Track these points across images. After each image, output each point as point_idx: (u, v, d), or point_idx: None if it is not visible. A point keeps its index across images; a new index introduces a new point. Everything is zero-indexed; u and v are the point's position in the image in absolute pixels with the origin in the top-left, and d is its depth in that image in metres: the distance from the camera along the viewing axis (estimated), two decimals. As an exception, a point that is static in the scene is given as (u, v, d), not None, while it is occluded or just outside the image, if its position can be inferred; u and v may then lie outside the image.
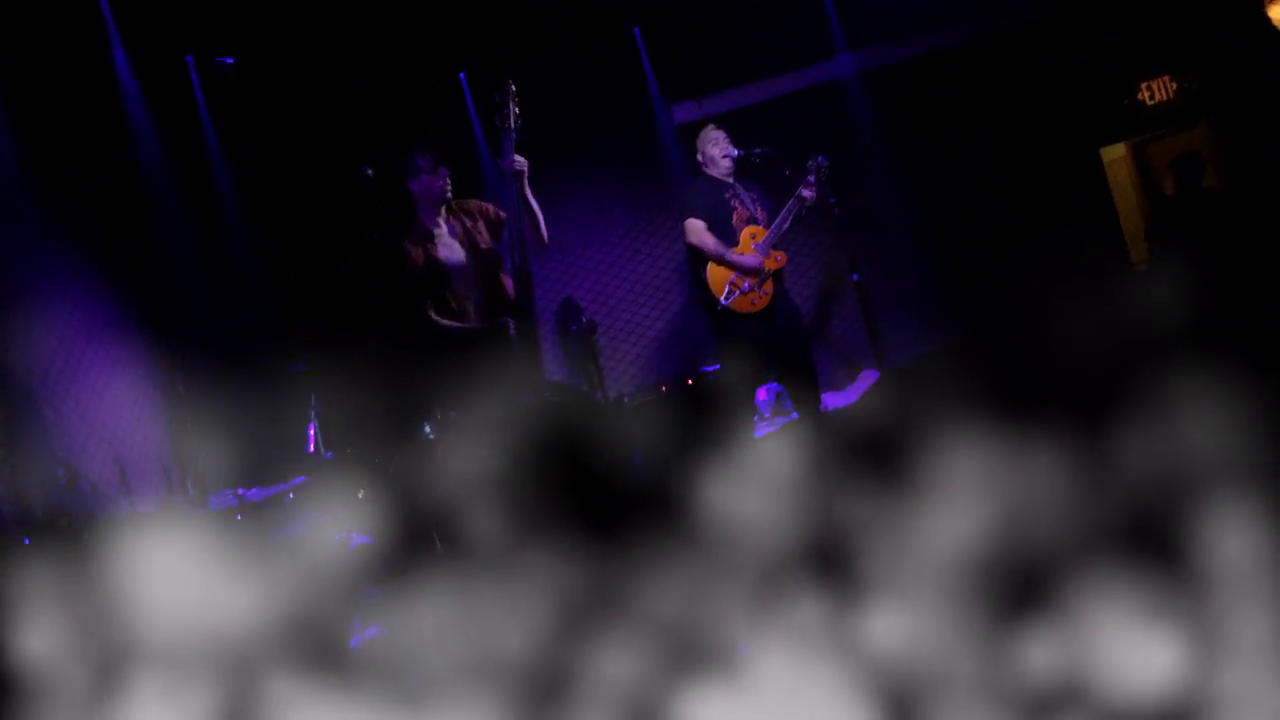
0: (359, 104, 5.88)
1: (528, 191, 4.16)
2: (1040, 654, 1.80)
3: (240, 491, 4.36)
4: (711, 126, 5.17)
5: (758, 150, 5.07)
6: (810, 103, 6.69)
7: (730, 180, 5.06)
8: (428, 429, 5.13)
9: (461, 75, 6.36)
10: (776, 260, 4.94)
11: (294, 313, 5.65)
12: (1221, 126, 6.09)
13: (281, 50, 5.63)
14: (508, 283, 4.22)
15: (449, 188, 4.17)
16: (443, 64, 6.26)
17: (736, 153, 5.03)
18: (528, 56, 5.97)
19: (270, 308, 5.63)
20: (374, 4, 5.70)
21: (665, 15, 6.44)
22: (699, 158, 5.12)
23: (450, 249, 4.17)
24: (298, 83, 5.78)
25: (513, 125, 4.10)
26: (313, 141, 5.80)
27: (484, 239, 4.23)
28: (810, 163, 5.01)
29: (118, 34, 5.09)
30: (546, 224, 4.29)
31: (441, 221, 4.19)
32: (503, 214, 4.27)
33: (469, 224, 4.22)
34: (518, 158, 4.08)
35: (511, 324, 4.13)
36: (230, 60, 5.32)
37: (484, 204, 4.31)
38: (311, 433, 5.03)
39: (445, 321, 4.13)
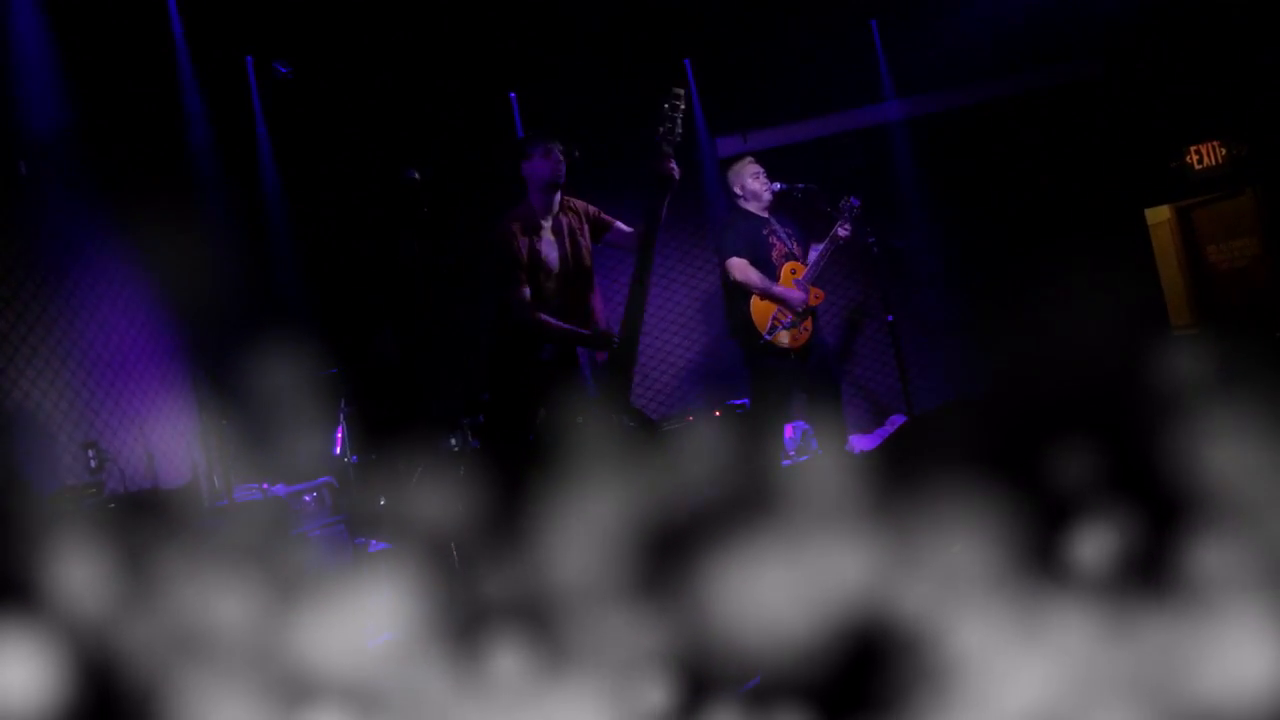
0: (410, 119, 5.96)
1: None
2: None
3: (265, 486, 4.38)
4: (750, 159, 5.16)
5: (800, 186, 5.09)
6: (854, 145, 6.70)
7: (766, 215, 5.06)
8: (452, 441, 5.15)
9: (512, 95, 6.42)
10: (817, 297, 4.97)
11: (329, 315, 5.70)
12: (1268, 195, 6.05)
13: (337, 58, 5.72)
14: (593, 299, 4.14)
15: (563, 170, 4.05)
16: (495, 83, 6.32)
17: (779, 186, 5.04)
18: (577, 78, 6.04)
19: (307, 308, 5.69)
20: (431, 24, 5.79)
21: (717, 48, 6.49)
22: (736, 190, 5.12)
23: (551, 247, 4.07)
24: (351, 92, 5.87)
25: (675, 137, 4.03)
26: (360, 149, 5.88)
27: (585, 241, 4.15)
28: (843, 203, 5.03)
29: (181, 28, 5.19)
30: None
31: (550, 218, 4.10)
32: (604, 216, 4.20)
33: (574, 223, 4.14)
34: (674, 165, 4.01)
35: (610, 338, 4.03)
36: (286, 70, 5.41)
37: (588, 205, 4.24)
38: (339, 435, 5.06)
39: (553, 321, 4.02)
